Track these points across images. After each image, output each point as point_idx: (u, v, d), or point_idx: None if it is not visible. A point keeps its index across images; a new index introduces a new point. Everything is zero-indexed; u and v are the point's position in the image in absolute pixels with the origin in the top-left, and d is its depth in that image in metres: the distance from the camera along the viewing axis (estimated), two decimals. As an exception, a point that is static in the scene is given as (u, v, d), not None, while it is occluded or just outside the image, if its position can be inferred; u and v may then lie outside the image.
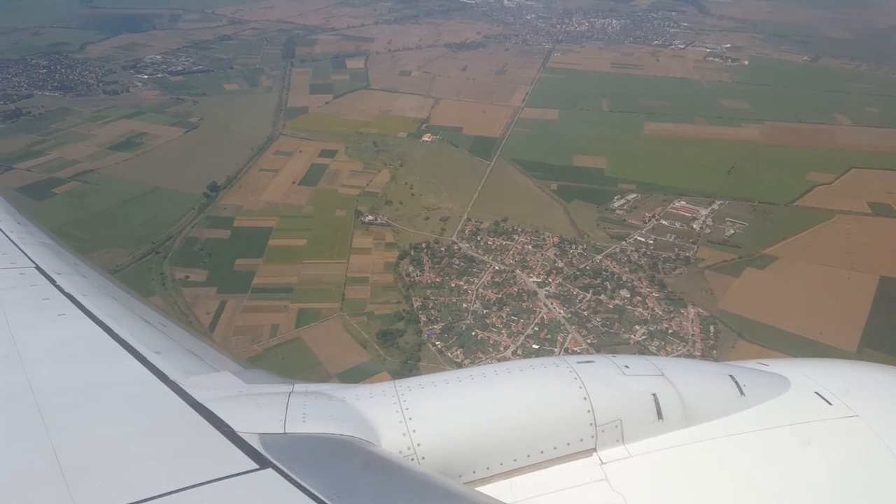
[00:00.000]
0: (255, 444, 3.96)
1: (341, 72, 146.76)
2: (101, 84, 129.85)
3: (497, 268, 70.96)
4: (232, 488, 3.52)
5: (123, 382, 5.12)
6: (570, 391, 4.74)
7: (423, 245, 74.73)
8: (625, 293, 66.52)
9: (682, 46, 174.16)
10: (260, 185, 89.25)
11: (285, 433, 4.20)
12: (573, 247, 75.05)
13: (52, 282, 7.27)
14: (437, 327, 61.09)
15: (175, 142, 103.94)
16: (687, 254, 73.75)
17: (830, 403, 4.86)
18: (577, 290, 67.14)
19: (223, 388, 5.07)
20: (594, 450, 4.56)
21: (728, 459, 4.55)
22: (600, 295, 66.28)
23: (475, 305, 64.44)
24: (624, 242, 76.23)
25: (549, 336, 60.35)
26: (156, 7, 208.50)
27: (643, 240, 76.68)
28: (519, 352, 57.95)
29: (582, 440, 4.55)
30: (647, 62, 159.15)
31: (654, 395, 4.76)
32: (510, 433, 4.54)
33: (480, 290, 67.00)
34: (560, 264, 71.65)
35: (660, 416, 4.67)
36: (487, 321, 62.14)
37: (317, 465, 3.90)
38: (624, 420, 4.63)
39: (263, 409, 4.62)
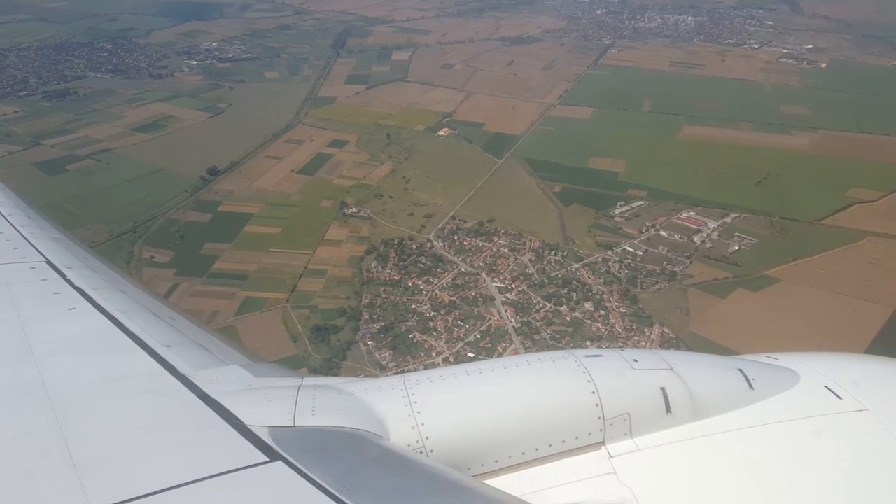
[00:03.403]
0: (265, 437, 3.98)
1: (384, 63, 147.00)
2: (150, 68, 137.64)
3: (463, 269, 67.83)
4: (242, 481, 3.55)
5: (134, 376, 5.15)
6: (579, 385, 4.73)
7: (396, 241, 72.74)
8: (588, 306, 61.49)
9: (756, 46, 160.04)
10: (259, 171, 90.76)
11: (294, 426, 4.22)
12: (552, 253, 70.45)
13: (63, 276, 7.28)
14: (376, 326, 59.05)
15: (197, 126, 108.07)
16: (675, 269, 67.16)
17: (840, 397, 4.85)
18: (538, 298, 62.83)
19: (232, 382, 5.07)
20: (602, 443, 4.56)
21: (737, 453, 4.53)
22: (561, 306, 61.64)
23: (424, 307, 61.81)
24: (610, 252, 70.61)
25: (490, 346, 56.74)
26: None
27: (632, 250, 70.66)
28: (451, 359, 54.87)
29: (590, 434, 4.55)
30: (710, 62, 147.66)
31: (662, 388, 4.74)
32: (518, 426, 4.55)
33: (437, 291, 64.24)
34: (531, 270, 67.40)
35: (668, 409, 4.65)
36: (431, 324, 59.38)
37: (326, 457, 3.93)
38: (632, 414, 4.62)
39: (273, 402, 4.62)
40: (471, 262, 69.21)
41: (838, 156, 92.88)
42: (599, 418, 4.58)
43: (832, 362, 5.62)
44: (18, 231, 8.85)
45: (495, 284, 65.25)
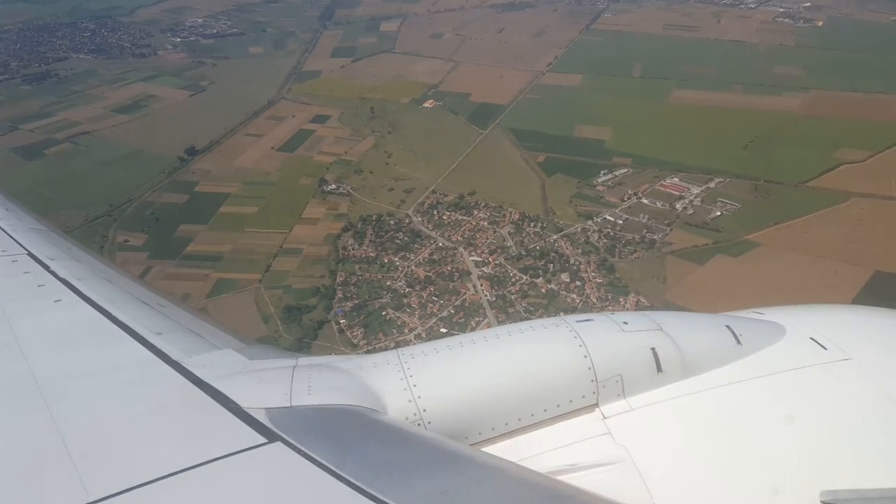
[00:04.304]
0: (262, 418, 3.95)
1: (372, 35, 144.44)
2: (133, 47, 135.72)
3: (441, 244, 67.37)
4: (241, 463, 3.54)
5: (125, 365, 5.09)
6: (571, 350, 4.77)
7: (374, 217, 72.22)
8: (565, 277, 61.04)
9: (753, 6, 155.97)
10: (238, 150, 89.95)
11: (291, 406, 4.20)
12: (532, 224, 69.79)
13: (46, 268, 7.16)
14: (349, 305, 58.93)
15: (178, 105, 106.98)
16: (654, 236, 66.41)
17: (825, 348, 4.95)
18: (515, 271, 62.42)
19: (227, 366, 5.05)
20: (596, 405, 4.62)
21: (727, 407, 4.61)
22: (537, 278, 61.24)
23: (399, 283, 61.57)
24: (590, 222, 69.88)
25: (463, 320, 56.63)
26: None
27: (612, 219, 69.86)
28: (423, 335, 54.78)
29: (584, 397, 4.61)
30: (705, 23, 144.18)
31: (653, 348, 4.81)
32: (513, 394, 4.57)
33: (413, 267, 63.91)
34: (509, 243, 66.86)
35: (659, 369, 4.73)
36: (405, 301, 59.19)
37: (324, 435, 3.94)
38: (624, 375, 4.69)
39: (268, 383, 4.59)
40: (449, 236, 68.71)
41: (828, 116, 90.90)
42: (592, 381, 4.65)
43: (817, 314, 5.70)
44: None
45: (472, 258, 64.84)
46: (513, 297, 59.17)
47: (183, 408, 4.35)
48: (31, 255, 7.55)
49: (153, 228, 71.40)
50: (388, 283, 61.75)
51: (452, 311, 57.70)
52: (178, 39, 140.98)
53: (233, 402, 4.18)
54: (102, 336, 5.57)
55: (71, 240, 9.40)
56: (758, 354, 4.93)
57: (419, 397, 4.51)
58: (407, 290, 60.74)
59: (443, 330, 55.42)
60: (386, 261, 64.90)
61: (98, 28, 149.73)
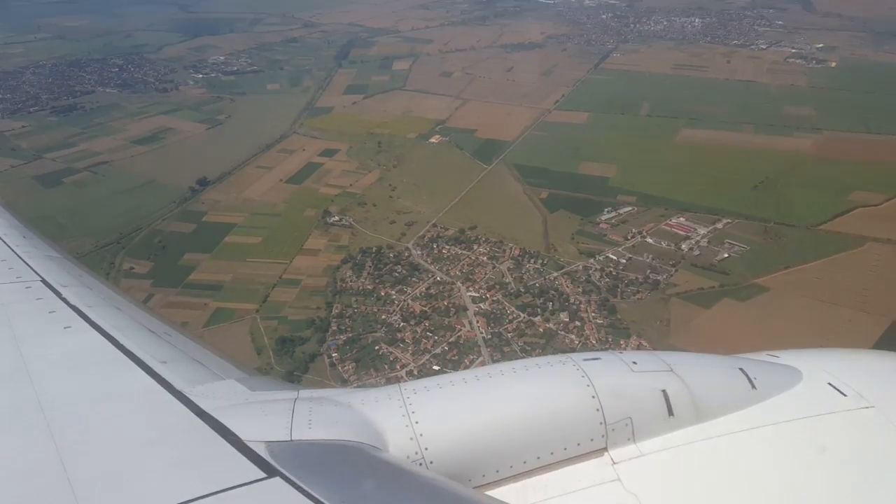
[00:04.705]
0: (262, 452, 3.93)
1: (384, 73, 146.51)
2: (157, 82, 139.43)
3: (438, 278, 66.08)
4: (240, 498, 3.51)
5: (130, 393, 5.15)
6: (578, 390, 4.62)
7: (374, 250, 71.33)
8: (564, 317, 59.22)
9: (763, 47, 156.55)
10: (248, 181, 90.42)
11: (292, 440, 4.16)
12: (532, 261, 68.32)
13: (58, 294, 7.37)
14: (343, 338, 57.55)
15: (194, 137, 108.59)
16: (658, 277, 64.53)
17: (844, 395, 4.74)
18: (513, 308, 60.75)
19: (229, 397, 5.05)
20: (605, 449, 4.45)
21: (742, 455, 4.42)
22: (536, 316, 59.47)
23: (394, 317, 60.14)
24: (592, 260, 68.24)
25: (457, 358, 54.78)
26: (243, 10, 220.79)
27: (615, 258, 68.19)
28: (415, 372, 53.09)
29: (592, 440, 4.45)
30: (715, 64, 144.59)
31: (663, 391, 4.64)
32: (519, 434, 4.44)
33: (409, 301, 62.55)
34: (508, 279, 65.38)
35: (670, 412, 4.54)
36: (399, 335, 57.63)
37: (324, 472, 3.91)
38: (634, 418, 4.52)
39: (269, 416, 4.58)
40: (447, 270, 67.44)
41: (842, 158, 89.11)
42: (601, 423, 4.49)
43: (835, 358, 5.51)
44: (13, 250, 8.95)
45: (470, 294, 63.38)
46: (509, 335, 57.38)
47: (184, 438, 4.33)
48: (44, 281, 7.78)
49: (159, 256, 71.55)
50: (384, 316, 60.33)
51: (446, 348, 55.98)
52: (200, 75, 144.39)
53: (234, 434, 4.16)
54: (109, 363, 5.63)
55: (84, 267, 9.62)
56: (773, 400, 4.77)
57: (421, 435, 4.38)
58: (402, 324, 59.24)
59: (435, 367, 53.66)
60: (383, 294, 63.64)
61: (126, 64, 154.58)
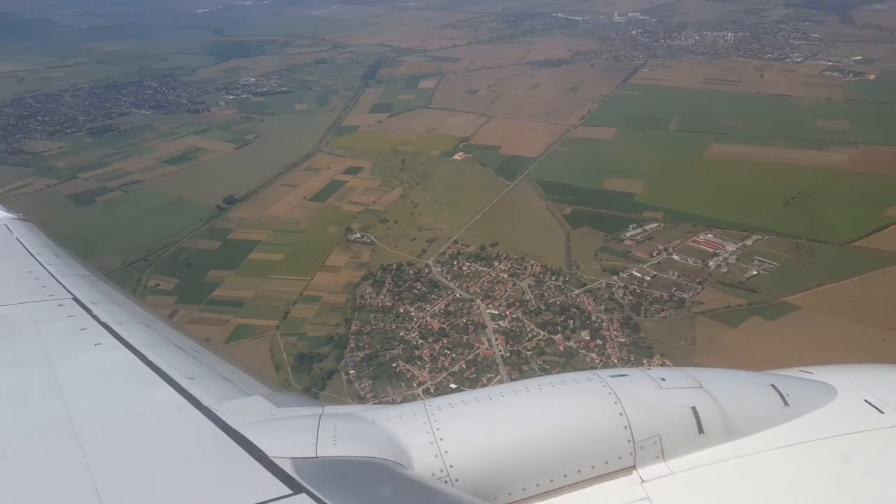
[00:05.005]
0: (288, 468, 3.99)
1: (410, 91, 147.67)
2: (189, 104, 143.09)
3: (458, 295, 65.47)
4: None
5: (158, 409, 5.27)
6: (606, 407, 4.58)
7: (394, 266, 71.19)
8: (585, 335, 57.92)
9: (798, 60, 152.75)
10: (273, 199, 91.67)
11: (317, 457, 4.21)
12: (554, 278, 67.24)
13: (89, 312, 7.62)
14: (361, 355, 57.28)
15: (223, 157, 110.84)
16: (684, 295, 62.72)
17: (882, 412, 4.63)
18: (532, 326, 59.72)
19: (255, 413, 5.13)
20: (634, 467, 4.39)
21: (775, 474, 4.32)
22: (556, 335, 58.31)
23: (412, 334, 59.70)
24: (616, 277, 66.79)
25: (474, 376, 54.03)
26: (275, 34, 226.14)
27: (639, 275, 66.63)
28: (432, 390, 52.37)
29: (620, 458, 4.40)
30: (747, 77, 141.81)
31: (693, 408, 4.56)
32: (545, 452, 4.40)
33: (428, 318, 62.06)
34: (528, 296, 64.38)
35: (700, 430, 4.47)
36: (417, 353, 57.19)
37: (349, 489, 3.93)
38: (663, 435, 4.44)
39: (295, 432, 4.63)
40: (467, 287, 66.83)
41: (879, 172, 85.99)
42: (629, 441, 4.41)
43: (871, 374, 5.42)
44: (47, 269, 9.19)
45: (489, 311, 62.59)
46: (528, 353, 56.40)
47: (211, 454, 4.36)
48: (76, 299, 7.94)
49: (184, 273, 72.78)
50: (402, 333, 60.02)
51: (464, 366, 55.25)
52: (231, 97, 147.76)
53: (260, 450, 4.19)
54: (138, 380, 5.74)
55: (114, 285, 9.91)
56: (807, 417, 4.66)
57: (446, 452, 4.34)
58: (420, 341, 58.84)
59: (452, 385, 53.05)
60: (402, 311, 63.36)
61: (160, 86, 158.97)
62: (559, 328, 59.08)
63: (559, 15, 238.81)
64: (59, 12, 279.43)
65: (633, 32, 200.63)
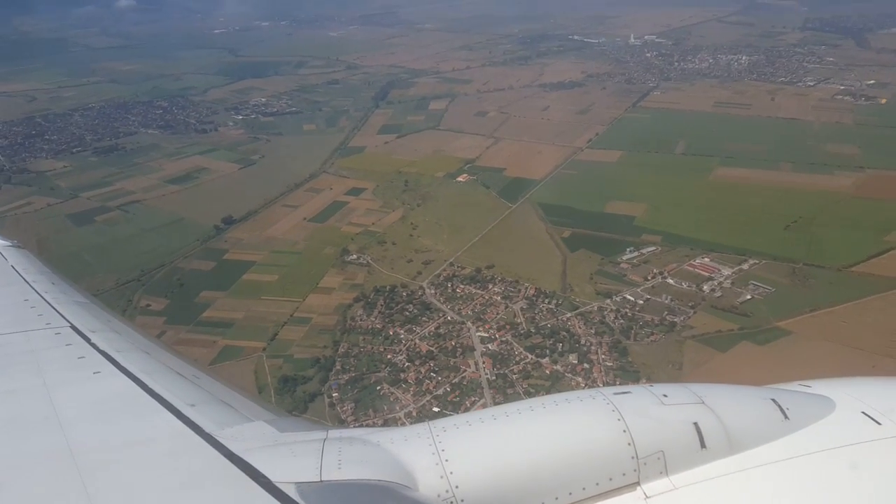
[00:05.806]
0: (293, 493, 4.03)
1: (420, 113, 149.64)
2: (198, 124, 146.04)
3: (449, 318, 65.71)
4: None
5: (160, 437, 5.30)
6: (609, 424, 4.68)
7: (387, 288, 71.74)
8: (573, 358, 57.69)
9: (811, 84, 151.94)
10: (272, 220, 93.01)
11: (321, 481, 4.24)
12: (547, 301, 67.19)
13: (87, 340, 7.67)
14: (346, 377, 57.59)
15: (226, 177, 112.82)
16: (675, 319, 62.24)
17: (879, 423, 4.74)
18: (521, 349, 59.65)
19: (258, 438, 5.18)
20: (637, 483, 4.49)
21: (777, 486, 4.43)
22: (543, 358, 58.16)
23: (400, 357, 59.94)
24: (609, 301, 66.53)
25: (458, 399, 53.96)
26: (290, 55, 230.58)
27: (632, 299, 66.31)
28: (414, 414, 52.44)
29: (624, 474, 4.49)
30: (759, 101, 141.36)
31: (695, 423, 4.68)
32: (551, 471, 4.48)
33: (417, 340, 62.32)
34: (520, 319, 64.40)
35: (703, 444, 4.58)
36: (402, 376, 57.31)
37: None
38: (666, 451, 4.56)
39: (299, 457, 4.68)
40: (459, 310, 67.01)
41: (883, 197, 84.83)
42: (633, 458, 4.48)
43: (868, 387, 5.51)
44: (43, 297, 9.10)
45: (479, 334, 62.66)
46: (514, 376, 56.23)
47: (215, 481, 4.36)
48: (73, 327, 7.91)
49: (176, 294, 73.30)
50: (389, 356, 60.24)
51: (448, 389, 55.25)
52: (240, 117, 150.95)
53: (264, 476, 4.18)
54: (138, 408, 5.73)
55: (112, 312, 9.83)
56: (807, 430, 4.73)
57: (451, 473, 4.37)
58: (406, 364, 58.95)
59: (435, 409, 52.93)
60: (391, 333, 63.67)
61: (170, 106, 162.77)
62: (547, 352, 58.91)
63: (575, 37, 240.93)
64: (76, 32, 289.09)
65: (648, 55, 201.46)
